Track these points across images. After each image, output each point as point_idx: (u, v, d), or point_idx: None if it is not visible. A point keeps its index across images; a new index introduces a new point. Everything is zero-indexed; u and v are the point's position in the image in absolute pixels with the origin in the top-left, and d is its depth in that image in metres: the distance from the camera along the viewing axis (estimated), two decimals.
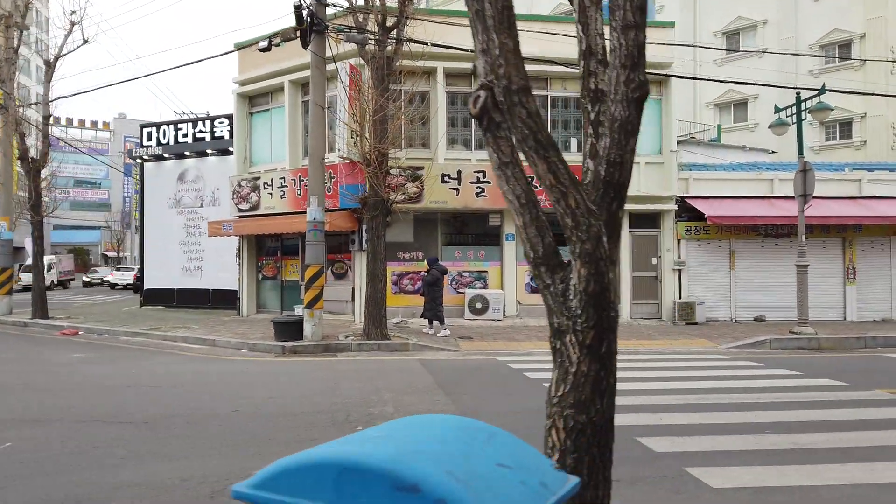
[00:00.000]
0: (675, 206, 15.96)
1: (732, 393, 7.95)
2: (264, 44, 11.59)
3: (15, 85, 16.86)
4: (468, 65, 15.00)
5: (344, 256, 15.74)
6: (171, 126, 19.59)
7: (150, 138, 19.87)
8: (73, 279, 44.35)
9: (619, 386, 8.06)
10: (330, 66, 13.59)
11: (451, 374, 9.41)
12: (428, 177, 14.45)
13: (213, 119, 18.97)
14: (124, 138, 65.15)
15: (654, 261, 16.29)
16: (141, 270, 21.29)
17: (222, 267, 18.73)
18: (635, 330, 14.54)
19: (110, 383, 8.44)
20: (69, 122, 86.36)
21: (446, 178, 14.62)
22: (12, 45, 16.40)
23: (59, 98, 17.03)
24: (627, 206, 15.61)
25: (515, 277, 15.72)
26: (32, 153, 16.98)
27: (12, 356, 11.52)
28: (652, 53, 12.71)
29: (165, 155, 19.84)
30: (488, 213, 15.39)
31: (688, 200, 15.90)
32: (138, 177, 20.95)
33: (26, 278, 39.85)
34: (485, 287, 15.72)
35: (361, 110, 11.55)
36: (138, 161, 20.55)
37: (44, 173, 17.78)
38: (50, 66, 16.57)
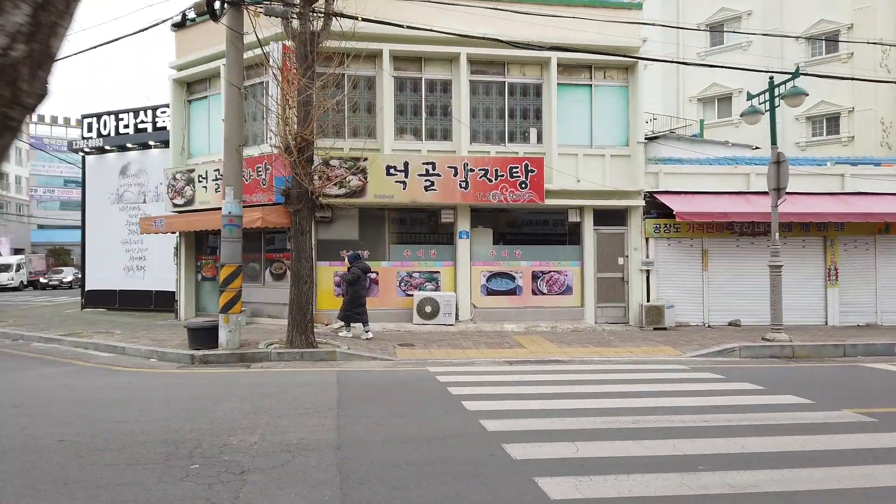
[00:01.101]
0: (643, 202, 14.82)
1: (677, 413, 6.79)
2: (178, 18, 10.40)
3: None
4: (418, 47, 13.84)
5: (283, 256, 14.54)
6: (113, 116, 18.37)
7: (90, 129, 18.65)
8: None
9: (544, 405, 6.80)
10: (268, 48, 12.46)
11: (364, 389, 8.24)
12: (372, 169, 13.28)
13: (155, 108, 17.77)
14: None
15: (620, 261, 15.14)
16: (83, 270, 20.04)
17: (165, 267, 17.53)
18: (596, 335, 13.39)
19: None
20: (53, 119, 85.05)
21: (392, 171, 13.44)
22: None
23: None
24: (592, 202, 14.59)
25: (470, 278, 14.55)
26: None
27: None
28: (617, 35, 11.59)
29: (107, 147, 18.63)
30: (440, 208, 14.22)
31: (657, 196, 14.76)
32: (80, 171, 19.73)
33: None
34: (436, 289, 14.54)
35: (283, 93, 10.37)
36: (80, 154, 19.32)
37: None
38: None
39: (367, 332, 12.37)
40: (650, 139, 15.82)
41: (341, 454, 5.27)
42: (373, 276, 14.29)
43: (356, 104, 14.01)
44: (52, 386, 8.33)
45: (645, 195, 14.84)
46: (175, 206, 15.33)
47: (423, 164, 13.54)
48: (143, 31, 11.01)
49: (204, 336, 10.81)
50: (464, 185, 13.65)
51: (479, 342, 12.27)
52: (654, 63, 26.81)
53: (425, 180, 13.52)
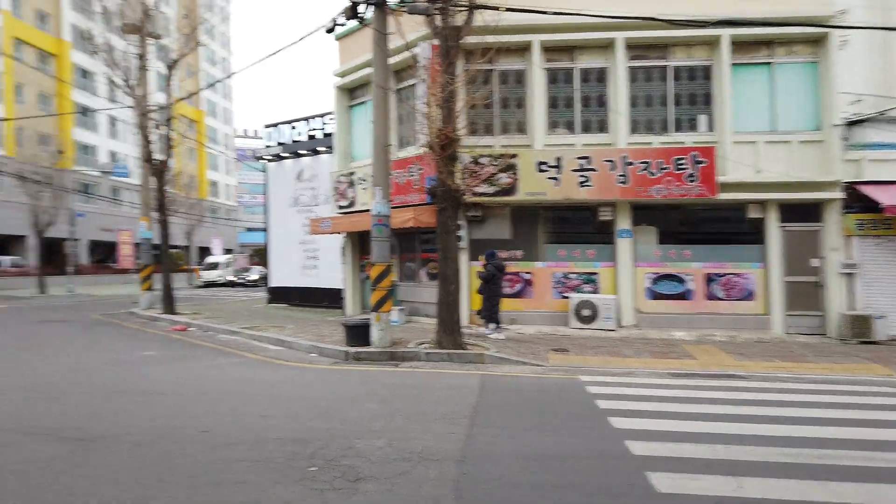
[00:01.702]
0: (842, 195, 12.71)
1: (880, 450, 5.51)
2: (329, 24, 10.76)
3: (144, 89, 17.84)
4: (569, 36, 13.13)
5: (437, 255, 14.55)
6: (288, 125, 19.83)
7: (270, 138, 20.32)
8: None
9: (707, 427, 6.08)
10: (416, 49, 12.59)
11: (505, 396, 7.81)
12: (522, 165, 12.81)
13: (324, 116, 18.85)
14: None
15: (814, 262, 13.14)
16: (267, 269, 21.90)
17: (334, 266, 18.51)
18: (784, 348, 11.69)
19: (125, 387, 8.01)
20: (255, 133, 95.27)
21: (544, 167, 12.85)
22: (141, 52, 17.43)
23: (179, 100, 17.78)
24: (776, 195, 12.81)
25: (633, 281, 13.48)
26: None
27: (79, 349, 11.80)
28: (802, 3, 9.96)
29: (284, 154, 20.16)
30: (597, 205, 13.34)
31: (859, 187, 12.57)
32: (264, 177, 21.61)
33: (206, 275, 43.70)
34: (595, 291, 13.67)
35: (429, 91, 10.31)
36: (263, 162, 21.15)
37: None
38: (170, 70, 17.40)
39: (498, 330, 12.29)
40: (852, 123, 13.55)
41: (463, 468, 4.90)
42: (527, 276, 13.82)
43: (505, 99, 13.61)
44: (218, 377, 8.95)
45: (844, 187, 12.71)
46: (340, 207, 16.07)
47: (577, 158, 12.77)
48: (301, 40, 11.57)
49: (358, 333, 11.07)
50: (622, 179, 12.66)
51: (642, 350, 11.27)
52: (855, 35, 23.20)
53: (580, 176, 12.75)
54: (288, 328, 14.24)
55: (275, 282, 21.41)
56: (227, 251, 60.47)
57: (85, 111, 47.13)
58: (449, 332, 10.58)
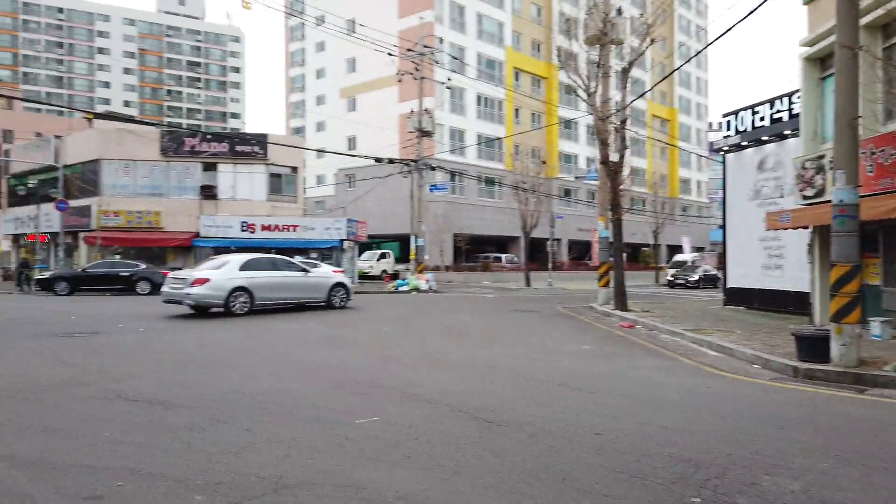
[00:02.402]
0: None
1: None
2: None
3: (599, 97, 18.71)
4: None
5: None
6: (749, 111, 17.96)
7: (729, 128, 18.80)
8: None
9: None
10: None
11: None
12: None
13: (791, 95, 16.39)
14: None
15: None
16: (724, 268, 20.38)
17: (802, 266, 16.00)
18: None
19: (545, 376, 8.42)
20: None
21: None
22: (600, 60, 18.35)
23: (639, 96, 18.03)
24: None
25: None
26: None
27: (527, 336, 12.89)
28: None
29: (743, 143, 18.38)
30: None
31: None
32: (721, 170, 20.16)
33: (670, 274, 43.60)
34: None
35: None
36: (721, 154, 19.75)
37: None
38: (624, 74, 17.75)
39: None
40: None
41: None
42: None
43: None
44: (637, 378, 8.64)
45: None
46: (804, 198, 13.74)
47: None
48: (751, 13, 10.28)
49: (813, 346, 9.23)
50: None
51: None
52: None
53: None
54: (735, 333, 12.93)
55: (732, 282, 19.80)
56: (698, 249, 59.05)
57: (567, 123, 52.85)
58: None
